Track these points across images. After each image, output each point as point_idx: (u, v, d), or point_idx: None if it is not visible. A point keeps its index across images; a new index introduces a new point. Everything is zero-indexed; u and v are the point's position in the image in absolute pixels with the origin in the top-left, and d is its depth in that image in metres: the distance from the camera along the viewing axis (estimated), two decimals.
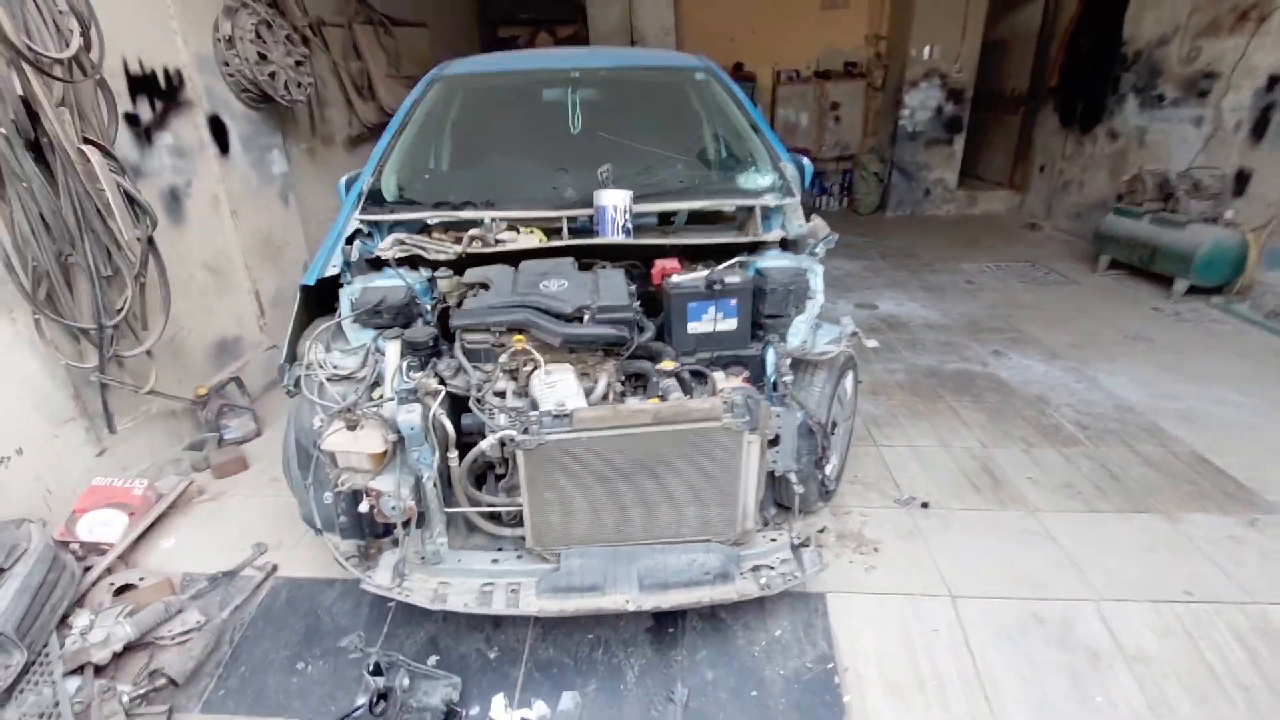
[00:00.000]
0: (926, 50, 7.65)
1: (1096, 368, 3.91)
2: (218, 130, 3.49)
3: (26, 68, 2.21)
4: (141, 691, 1.99)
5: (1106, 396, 3.57)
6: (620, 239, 2.29)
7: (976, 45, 7.55)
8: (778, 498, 2.35)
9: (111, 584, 2.33)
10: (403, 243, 2.35)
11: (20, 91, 2.22)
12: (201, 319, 3.40)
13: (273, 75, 3.59)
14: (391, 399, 1.94)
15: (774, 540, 2.16)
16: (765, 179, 2.58)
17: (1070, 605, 2.21)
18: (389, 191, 2.56)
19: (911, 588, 2.30)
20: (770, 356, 2.24)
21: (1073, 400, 3.54)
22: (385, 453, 1.89)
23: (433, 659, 2.11)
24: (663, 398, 1.97)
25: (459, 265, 2.33)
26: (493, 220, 2.32)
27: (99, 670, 2.04)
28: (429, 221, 2.40)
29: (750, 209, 2.50)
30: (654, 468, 1.92)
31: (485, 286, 2.12)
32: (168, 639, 2.17)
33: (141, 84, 3.03)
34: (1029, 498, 2.74)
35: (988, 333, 4.52)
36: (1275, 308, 4.45)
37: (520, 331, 2.03)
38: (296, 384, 2.10)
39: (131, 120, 2.97)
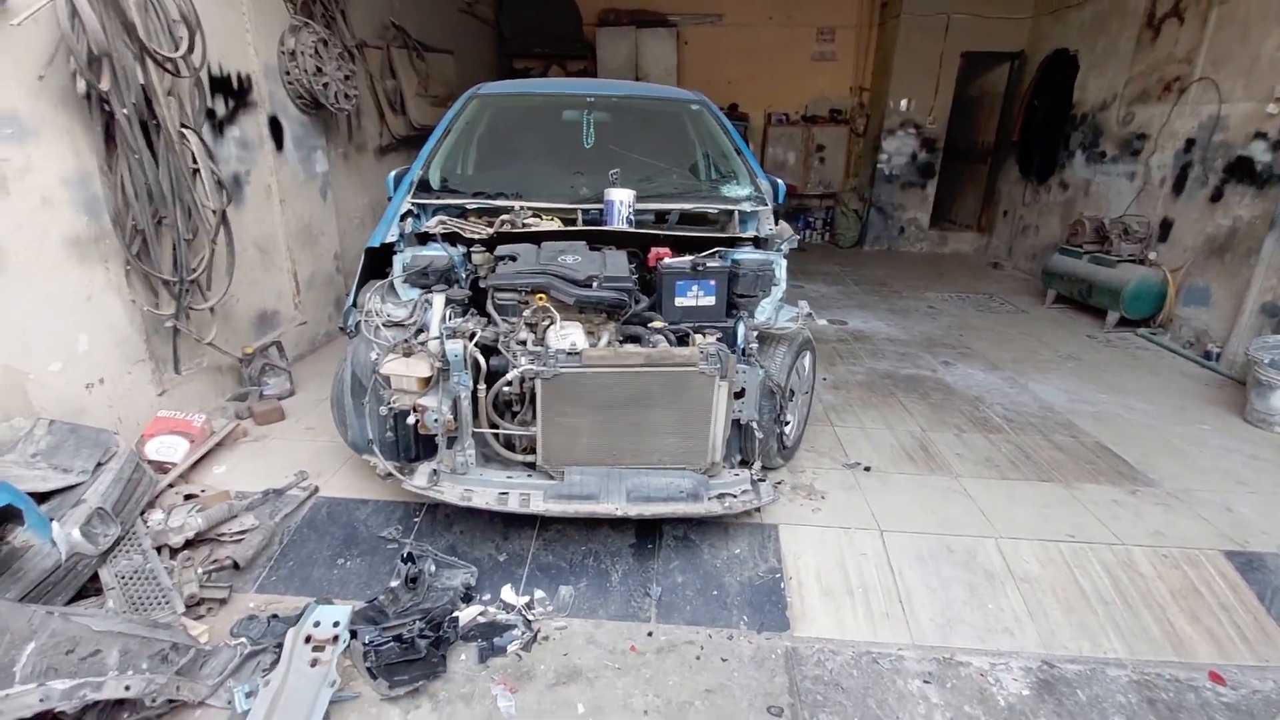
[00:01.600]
0: (904, 102, 8.43)
1: (1029, 378, 4.48)
2: (275, 129, 4.01)
3: (149, 62, 2.73)
4: (210, 569, 2.42)
5: (1033, 399, 4.12)
6: (624, 228, 2.82)
7: (948, 100, 8.33)
8: (743, 454, 2.83)
9: (178, 492, 2.76)
10: (445, 222, 2.86)
11: (141, 81, 2.73)
12: (247, 290, 3.87)
13: (325, 85, 4.13)
14: (436, 338, 2.42)
15: (737, 475, 2.65)
16: (743, 190, 3.14)
17: (975, 540, 2.70)
18: (434, 182, 3.08)
19: (848, 523, 2.78)
20: (740, 329, 2.75)
21: (1004, 400, 4.09)
22: (430, 378, 2.37)
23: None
24: (653, 348, 2.47)
25: (490, 244, 2.84)
26: (521, 208, 2.85)
27: (173, 553, 2.46)
28: (467, 207, 2.92)
29: (730, 212, 3.05)
30: (643, 403, 2.42)
31: (514, 258, 2.63)
32: (228, 536, 2.59)
33: (219, 84, 3.55)
34: (954, 467, 3.26)
35: (941, 347, 5.09)
36: (1190, 338, 5.07)
37: (542, 292, 2.53)
38: (356, 326, 2.58)
39: (210, 114, 3.48)
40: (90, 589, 2.21)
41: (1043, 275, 6.39)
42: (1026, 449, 3.46)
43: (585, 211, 2.93)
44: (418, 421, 2.35)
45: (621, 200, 2.80)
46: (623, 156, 3.33)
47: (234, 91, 3.68)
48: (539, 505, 2.37)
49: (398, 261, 2.71)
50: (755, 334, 2.72)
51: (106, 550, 2.27)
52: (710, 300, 2.74)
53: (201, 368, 3.50)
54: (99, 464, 2.46)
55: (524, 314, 2.54)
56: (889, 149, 8.62)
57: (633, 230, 2.82)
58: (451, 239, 2.86)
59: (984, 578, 2.53)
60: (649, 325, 2.57)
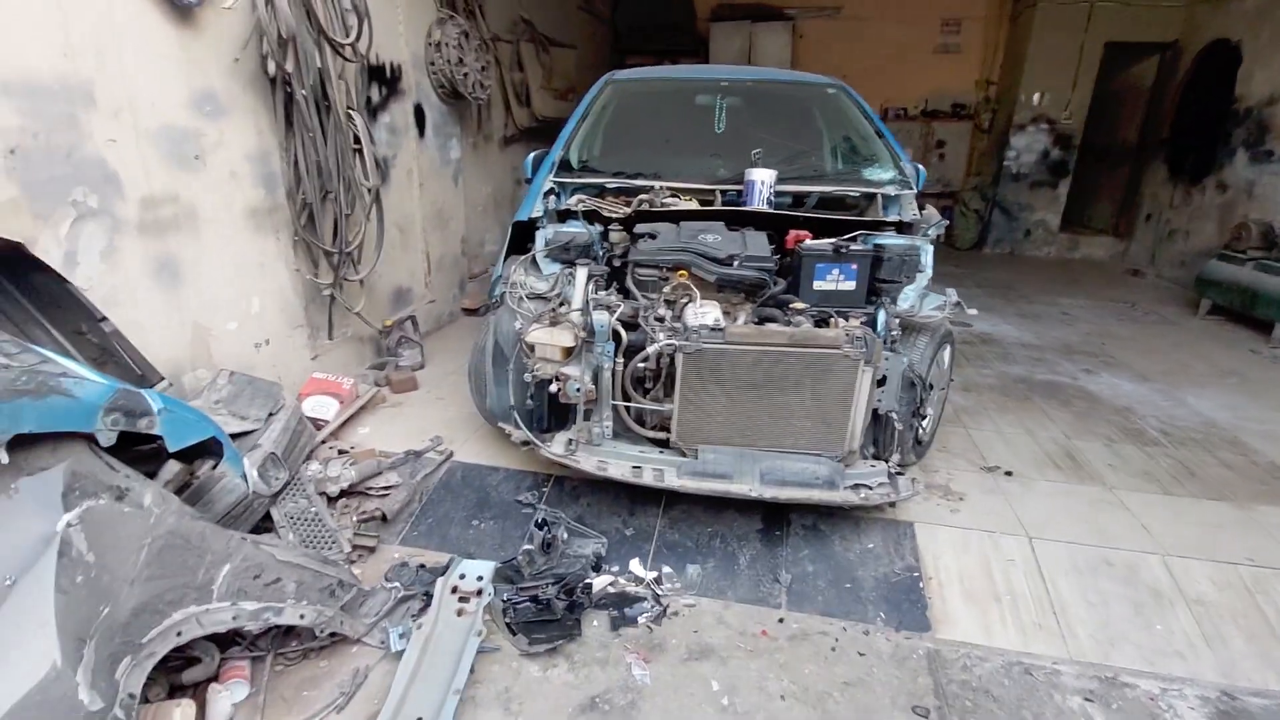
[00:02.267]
0: (1036, 97, 7.90)
1: (1185, 391, 4.07)
2: (419, 117, 4.25)
3: (325, 47, 2.95)
4: (363, 518, 2.58)
5: (1192, 414, 3.75)
6: (764, 208, 2.79)
7: (1088, 95, 7.74)
8: (877, 446, 2.72)
9: (331, 446, 2.96)
10: (584, 200, 2.93)
11: (319, 65, 2.94)
12: (387, 267, 4.10)
13: (465, 75, 4.33)
14: (579, 309, 2.48)
15: (873, 466, 2.55)
16: (887, 174, 3.03)
17: (1138, 555, 2.48)
18: (574, 162, 3.16)
19: (991, 527, 2.62)
20: (881, 315, 2.66)
21: (1158, 413, 3.74)
22: (573, 348, 2.43)
23: None
24: (796, 328, 2.42)
25: (628, 223, 2.88)
26: (660, 188, 2.87)
27: (330, 501, 2.64)
28: (606, 186, 2.97)
29: (872, 196, 2.95)
30: (782, 384, 2.37)
31: (653, 236, 2.65)
32: (375, 491, 2.76)
33: (374, 73, 3.79)
34: (1107, 478, 3.00)
35: (1080, 354, 4.72)
36: None
37: (682, 269, 2.53)
38: (501, 297, 2.68)
39: (366, 101, 3.72)
40: (260, 527, 2.41)
41: (1196, 284, 5.81)
42: (1189, 465, 3.14)
43: (723, 192, 2.91)
44: (559, 390, 2.41)
45: (763, 180, 2.77)
46: (760, 139, 3.29)
47: (386, 80, 3.92)
48: (673, 480, 2.38)
49: (540, 237, 2.79)
50: (897, 321, 2.62)
51: (277, 492, 2.46)
52: (850, 285, 2.66)
53: (347, 337, 3.74)
54: (270, 414, 2.68)
55: (664, 290, 2.55)
56: (1018, 145, 8.10)
57: (773, 211, 2.77)
58: (590, 217, 2.92)
59: (1149, 596, 2.31)
60: (789, 307, 2.51)
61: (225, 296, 2.89)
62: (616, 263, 2.81)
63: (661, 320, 2.52)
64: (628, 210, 2.88)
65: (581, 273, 2.55)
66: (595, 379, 2.41)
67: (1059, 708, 1.93)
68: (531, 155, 3.39)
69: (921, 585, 2.37)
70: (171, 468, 2.02)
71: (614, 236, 2.87)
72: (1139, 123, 7.83)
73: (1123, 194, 8.15)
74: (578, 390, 2.38)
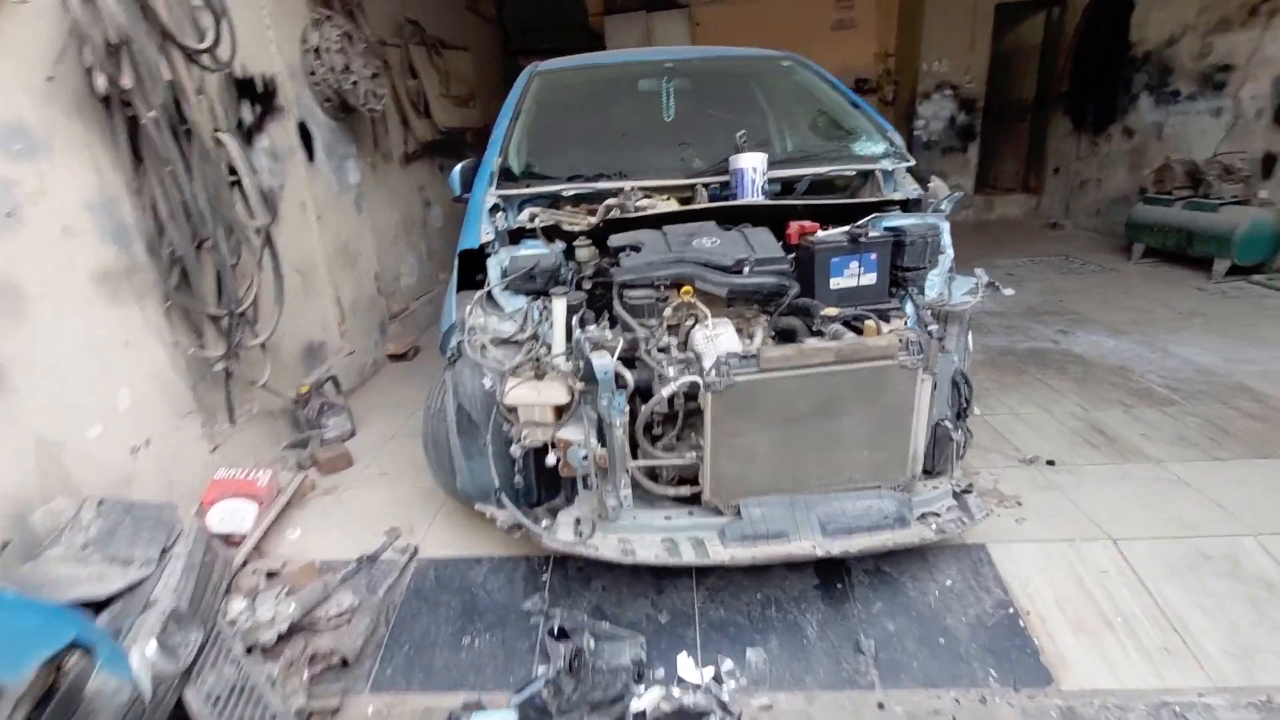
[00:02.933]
0: (936, 63, 7.96)
1: (1163, 340, 3.99)
2: (305, 138, 3.54)
3: (174, 55, 2.26)
4: (316, 670, 1.94)
5: (1184, 363, 3.64)
6: (760, 200, 2.35)
7: (985, 57, 7.86)
8: (927, 465, 2.35)
9: (255, 570, 2.28)
10: (538, 215, 2.39)
11: (168, 77, 2.25)
12: (291, 321, 3.38)
13: (355, 84, 3.66)
14: (562, 353, 1.95)
15: (935, 487, 2.17)
16: (878, 147, 2.66)
17: (1229, 540, 2.22)
18: (516, 169, 2.60)
19: (1069, 534, 2.30)
20: (909, 308, 2.28)
21: (1153, 368, 3.61)
22: (568, 405, 1.89)
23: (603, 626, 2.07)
24: (836, 340, 1.99)
25: (595, 235, 2.36)
26: (632, 188, 2.37)
27: (265, 652, 1.98)
28: (563, 194, 2.44)
29: (867, 174, 2.58)
30: (831, 410, 1.94)
31: (637, 248, 2.15)
32: (324, 622, 2.11)
33: (244, 88, 3.07)
34: (1148, 451, 2.78)
35: (1046, 315, 4.61)
36: None
37: (685, 285, 2.05)
38: (458, 349, 2.10)
39: (238, 123, 3.00)
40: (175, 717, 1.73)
41: (1126, 229, 5.90)
42: (1216, 421, 2.98)
43: (707, 186, 2.45)
44: (559, 462, 1.87)
45: (754, 167, 2.33)
46: (716, 125, 2.85)
47: (259, 96, 3.20)
48: (720, 553, 1.89)
49: (494, 265, 2.23)
50: (930, 314, 2.25)
51: (190, 664, 1.78)
52: (872, 278, 2.26)
53: (252, 415, 3.01)
54: (164, 549, 1.98)
55: (664, 314, 2.06)
56: (925, 114, 8.15)
57: (772, 203, 2.34)
58: (548, 234, 2.39)
59: (1263, 589, 2.05)
60: (819, 314, 2.08)
61: (78, 395, 2.16)
62: (587, 285, 2.29)
63: (665, 351, 2.04)
64: (594, 220, 2.37)
65: (559, 305, 2.01)
66: (601, 438, 1.89)
67: None
68: (459, 167, 2.80)
69: (1022, 624, 2.00)
70: (22, 677, 1.34)
71: (582, 254, 2.34)
72: (1034, 80, 8.03)
73: (1028, 150, 8.36)
74: (585, 459, 1.84)
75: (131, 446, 2.36)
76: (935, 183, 2.55)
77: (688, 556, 1.88)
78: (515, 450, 1.89)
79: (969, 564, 2.21)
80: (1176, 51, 5.87)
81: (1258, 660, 1.84)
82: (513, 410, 1.93)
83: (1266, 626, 1.92)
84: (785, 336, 2.23)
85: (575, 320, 2.03)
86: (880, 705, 1.80)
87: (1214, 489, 2.48)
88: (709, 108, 3.08)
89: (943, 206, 2.45)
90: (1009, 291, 2.43)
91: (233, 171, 2.55)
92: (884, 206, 2.49)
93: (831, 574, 2.20)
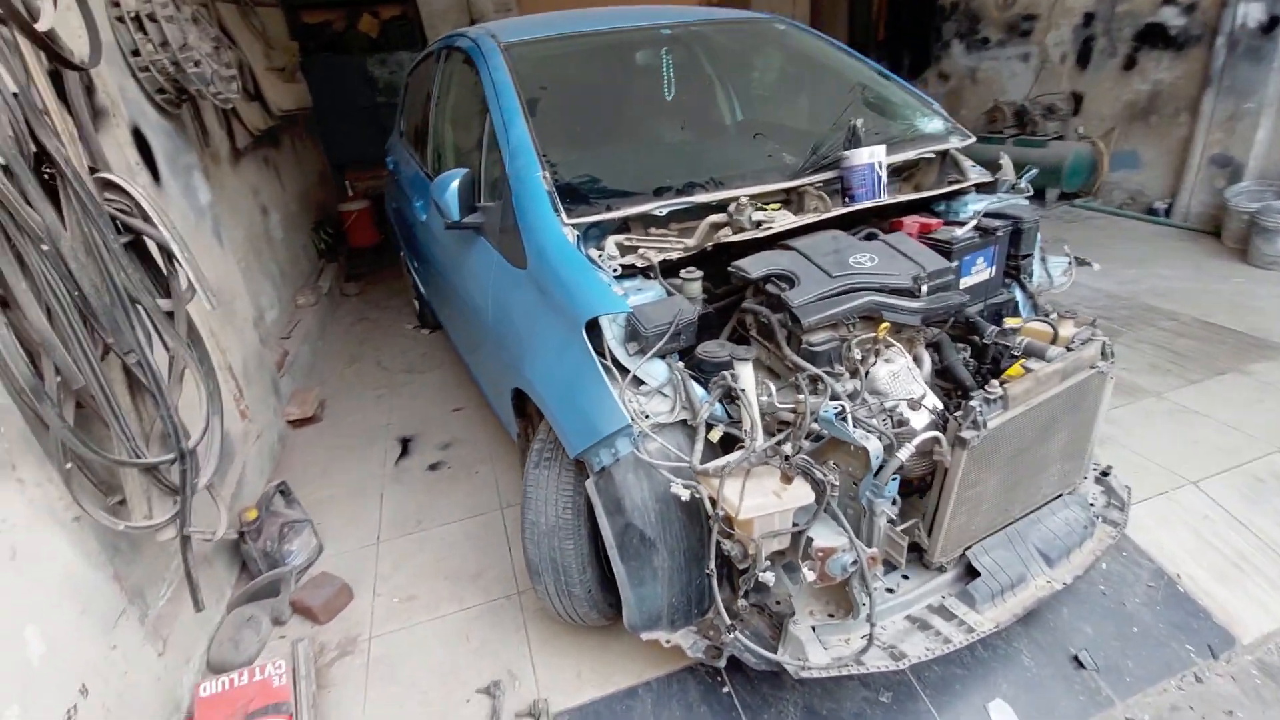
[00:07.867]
0: None
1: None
2: (142, 148, 2.41)
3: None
4: None
5: (1087, 289, 4.10)
6: (889, 199, 2.04)
7: (806, 9, 8.11)
8: None
9: None
10: (633, 245, 1.85)
11: (13, 88, 1.29)
12: (188, 413, 2.38)
13: (197, 64, 2.56)
14: (782, 439, 1.51)
15: (1083, 479, 2.13)
16: (936, 123, 2.49)
17: (1267, 461, 2.51)
18: (575, 185, 1.96)
19: (1160, 487, 2.43)
20: (1020, 297, 2.20)
21: (1076, 298, 4.02)
22: (814, 502, 1.48)
23: None
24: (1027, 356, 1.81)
25: (696, 261, 1.89)
26: (745, 199, 1.90)
27: None
28: (655, 214, 1.89)
29: (943, 155, 2.41)
30: (1048, 430, 1.77)
31: (790, 279, 1.74)
32: None
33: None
34: (1142, 384, 3.06)
35: None
36: (1123, 200, 5.52)
37: (874, 319, 1.71)
38: (613, 455, 1.54)
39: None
40: None
41: None
42: (1163, 345, 3.38)
43: (826, 183, 2.07)
44: (816, 575, 1.46)
45: (878, 161, 2.00)
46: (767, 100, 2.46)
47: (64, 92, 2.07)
48: (983, 622, 1.66)
49: (611, 330, 1.66)
50: (1042, 298, 2.19)
51: None
52: (990, 271, 2.13)
53: (180, 576, 2.06)
54: None
55: (850, 355, 1.70)
56: None
57: (896, 200, 2.05)
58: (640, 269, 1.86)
59: None
60: (1007, 325, 1.89)
61: None
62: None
63: (854, 397, 1.69)
64: (691, 244, 1.89)
65: (745, 372, 1.55)
66: (857, 530, 1.52)
67: None
68: (454, 184, 2.06)
69: (1182, 589, 2.08)
70: None
71: (691, 289, 1.85)
72: (846, 32, 8.51)
73: None
74: (853, 564, 1.46)
75: (66, 712, 1.44)
76: (1004, 159, 2.46)
77: (957, 639, 1.62)
78: (763, 575, 1.44)
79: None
80: (982, 3, 6.52)
81: None
82: (731, 523, 1.46)
83: None
84: (931, 349, 2.00)
85: (773, 388, 1.59)
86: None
87: (1217, 412, 2.81)
88: (711, 84, 2.64)
89: (1022, 185, 2.36)
90: (1097, 266, 2.44)
91: (124, 228, 1.59)
92: (959, 192, 2.33)
93: None
